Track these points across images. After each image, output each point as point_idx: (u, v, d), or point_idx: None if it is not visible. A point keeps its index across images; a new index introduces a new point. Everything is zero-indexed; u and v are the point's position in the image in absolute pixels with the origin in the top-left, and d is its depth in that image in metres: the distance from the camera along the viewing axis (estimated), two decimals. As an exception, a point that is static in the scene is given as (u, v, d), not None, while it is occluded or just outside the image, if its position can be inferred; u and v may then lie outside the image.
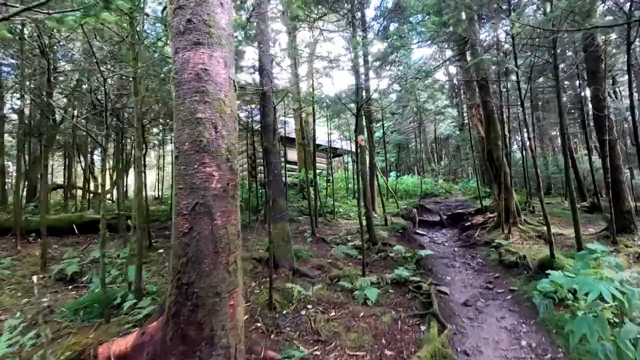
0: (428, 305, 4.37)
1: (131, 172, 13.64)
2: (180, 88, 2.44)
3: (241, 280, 2.44)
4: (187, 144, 2.37)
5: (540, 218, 10.73)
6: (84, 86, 8.44)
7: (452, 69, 24.85)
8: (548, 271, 4.93)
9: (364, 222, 7.44)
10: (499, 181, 8.99)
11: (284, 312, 4.04)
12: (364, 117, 11.23)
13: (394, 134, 24.59)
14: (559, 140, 27.54)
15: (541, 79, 15.97)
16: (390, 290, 5.04)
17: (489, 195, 15.33)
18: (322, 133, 21.15)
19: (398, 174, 25.35)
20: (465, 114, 24.04)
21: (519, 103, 7.46)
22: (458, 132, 24.46)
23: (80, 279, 5.69)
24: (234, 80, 2.63)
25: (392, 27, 16.32)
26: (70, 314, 3.83)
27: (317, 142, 20.24)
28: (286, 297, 4.33)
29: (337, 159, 26.47)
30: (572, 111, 17.93)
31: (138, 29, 4.31)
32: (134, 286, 4.03)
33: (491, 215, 10.11)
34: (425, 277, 5.81)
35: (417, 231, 10.45)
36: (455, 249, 8.48)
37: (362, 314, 4.05)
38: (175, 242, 2.34)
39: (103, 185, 4.24)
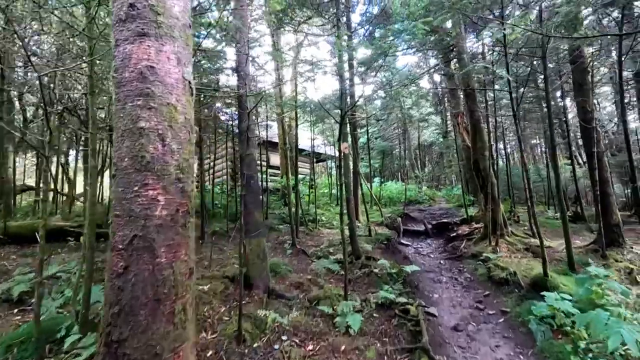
0: (416, 334, 3.95)
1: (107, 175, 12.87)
2: (120, 90, 1.94)
3: (192, 331, 1.94)
4: (126, 159, 1.87)
5: (526, 228, 10.56)
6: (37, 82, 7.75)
7: (437, 77, 24.87)
8: (543, 293, 4.64)
9: (348, 234, 7.02)
10: (485, 192, 8.72)
11: (255, 345, 3.53)
12: (348, 123, 10.85)
13: (378, 140, 24.36)
14: (539, 149, 27.95)
15: (522, 90, 15.94)
16: (374, 315, 4.59)
17: (473, 203, 15.18)
18: (306, 138, 20.73)
19: (382, 180, 25.12)
20: (449, 122, 24.03)
21: (505, 113, 7.26)
22: (442, 139, 24.43)
23: (30, 299, 5.05)
24: (189, 82, 2.14)
25: (378, 33, 16.07)
26: (0, 352, 3.23)
27: (300, 147, 19.78)
28: (258, 325, 3.82)
29: (321, 164, 26.07)
30: (555, 121, 18.05)
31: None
32: (81, 316, 3.46)
33: (477, 225, 9.85)
34: (411, 296, 5.40)
35: (402, 241, 10.09)
36: (442, 262, 8.13)
37: (343, 347, 3.58)
38: (107, 285, 1.83)
39: (55, 189, 3.66)
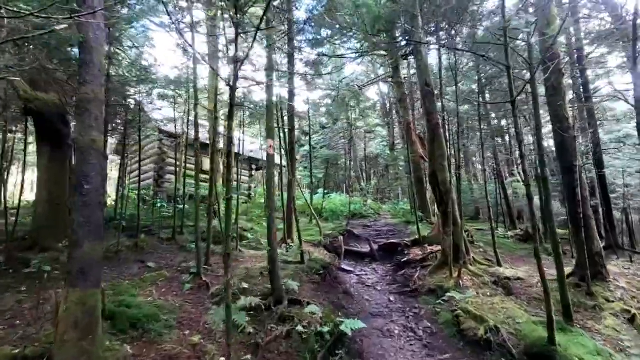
0: None
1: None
2: None
3: None
4: None
5: (482, 250, 9.07)
6: None
7: (384, 89, 23.81)
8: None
9: (273, 260, 4.77)
10: (444, 210, 6.98)
11: None
12: (280, 119, 8.73)
13: (323, 148, 22.52)
14: (480, 166, 27.93)
15: (466, 107, 14.94)
16: None
17: (422, 220, 13.70)
18: (248, 144, 18.29)
19: (326, 191, 23.27)
20: (396, 135, 22.96)
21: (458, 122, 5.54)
22: (388, 152, 23.26)
23: None
24: None
25: (325, 33, 14.37)
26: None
27: (236, 151, 17.21)
28: None
29: (261, 172, 23.60)
30: (497, 137, 17.48)
31: None
32: None
33: (432, 249, 8.10)
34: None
35: (343, 266, 8.02)
36: (391, 298, 6.15)
37: None
38: None
39: None
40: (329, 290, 6.00)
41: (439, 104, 8.33)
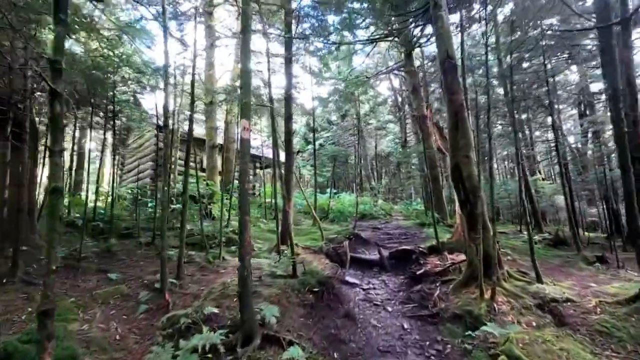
0: None
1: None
2: None
3: None
4: None
5: (512, 259, 7.57)
6: None
7: (396, 83, 22.27)
8: None
9: (243, 280, 3.45)
10: (470, 211, 5.52)
11: None
12: (270, 100, 7.41)
13: (331, 145, 21.13)
14: (499, 162, 25.99)
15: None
16: None
17: (438, 222, 12.19)
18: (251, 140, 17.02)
19: (335, 191, 21.88)
20: (408, 131, 21.41)
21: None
22: (400, 150, 21.72)
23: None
24: None
25: (331, 20, 13.06)
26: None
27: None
28: None
29: (269, 170, 22.35)
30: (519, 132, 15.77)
31: None
32: None
33: (454, 258, 6.65)
34: None
35: (347, 278, 6.64)
36: (405, 325, 4.74)
37: None
38: None
39: None
40: (325, 314, 4.64)
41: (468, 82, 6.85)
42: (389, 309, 5.35)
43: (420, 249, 7.45)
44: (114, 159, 14.53)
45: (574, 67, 14.91)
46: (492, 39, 10.57)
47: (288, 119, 7.65)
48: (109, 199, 13.39)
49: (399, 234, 10.79)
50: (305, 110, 16.79)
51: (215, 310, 4.09)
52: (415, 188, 22.31)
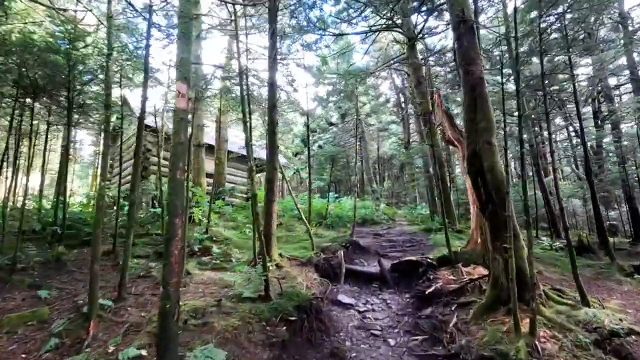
0: None
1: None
2: None
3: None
4: None
5: (538, 271, 6.21)
6: None
7: (398, 81, 21.04)
8: None
9: (164, 316, 2.18)
10: (494, 212, 4.22)
11: None
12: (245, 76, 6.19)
13: (328, 145, 19.87)
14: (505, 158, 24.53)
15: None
16: None
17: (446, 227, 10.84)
18: (240, 139, 15.88)
19: (337, 195, 20.59)
20: (411, 131, 20.13)
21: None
22: (403, 151, 20.40)
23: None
24: None
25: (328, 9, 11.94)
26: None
27: (230, 149, 14.83)
28: None
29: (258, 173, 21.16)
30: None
31: None
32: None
33: (470, 272, 5.33)
34: None
35: (340, 297, 5.33)
36: (413, 368, 3.43)
37: None
38: None
39: None
40: (302, 355, 3.34)
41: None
42: (391, 341, 4.03)
43: (429, 260, 6.12)
44: (104, 161, 13.42)
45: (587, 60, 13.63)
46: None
47: (272, 107, 6.43)
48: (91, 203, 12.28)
49: (403, 241, 9.47)
50: (307, 113, 15.61)
51: (142, 353, 2.82)
52: (420, 192, 20.98)
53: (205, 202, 10.40)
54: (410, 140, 19.34)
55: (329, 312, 4.68)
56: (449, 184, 11.98)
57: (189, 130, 3.35)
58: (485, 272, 5.35)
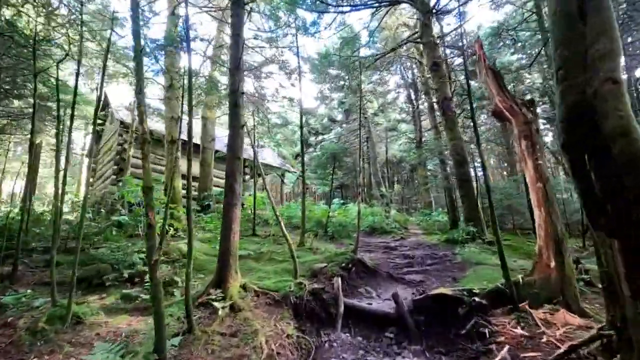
0: None
1: None
2: None
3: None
4: None
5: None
6: None
7: (408, 74, 18.83)
8: None
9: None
10: (632, 225, 1.97)
11: None
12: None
13: (331, 144, 17.68)
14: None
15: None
16: None
17: (473, 238, 8.50)
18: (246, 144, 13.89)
19: (343, 201, 18.34)
20: (423, 129, 17.86)
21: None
22: (414, 152, 18.09)
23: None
24: None
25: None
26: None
27: (217, 147, 12.94)
28: None
29: (269, 178, 19.08)
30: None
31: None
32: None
33: (546, 318, 3.05)
34: None
35: (333, 362, 3.10)
36: None
37: None
38: None
39: None
40: None
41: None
42: None
43: (473, 294, 3.83)
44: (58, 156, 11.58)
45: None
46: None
47: (235, 69, 4.33)
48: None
49: (422, 257, 7.18)
50: (309, 112, 13.57)
51: None
52: (434, 196, 18.61)
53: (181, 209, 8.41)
54: (423, 139, 17.05)
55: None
56: (473, 183, 9.69)
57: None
58: (575, 320, 3.10)
